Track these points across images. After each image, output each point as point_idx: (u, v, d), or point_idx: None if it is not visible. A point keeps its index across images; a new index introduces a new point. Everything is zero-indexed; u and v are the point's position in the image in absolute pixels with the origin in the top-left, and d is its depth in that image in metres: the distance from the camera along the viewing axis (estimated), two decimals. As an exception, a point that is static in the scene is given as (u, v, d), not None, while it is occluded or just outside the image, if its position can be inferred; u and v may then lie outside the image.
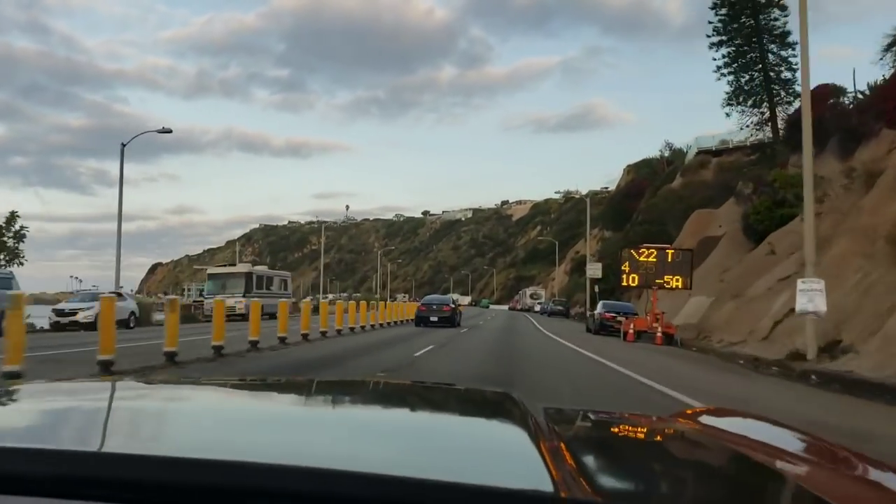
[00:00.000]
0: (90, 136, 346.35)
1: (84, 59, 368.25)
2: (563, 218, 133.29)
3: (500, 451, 1.19)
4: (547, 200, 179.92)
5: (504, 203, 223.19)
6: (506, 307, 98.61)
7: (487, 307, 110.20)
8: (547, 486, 0.91)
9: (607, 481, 1.12)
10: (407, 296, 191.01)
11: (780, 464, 1.32)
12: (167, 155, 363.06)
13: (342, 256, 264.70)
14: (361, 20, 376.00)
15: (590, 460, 1.24)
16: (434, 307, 31.04)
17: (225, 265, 58.43)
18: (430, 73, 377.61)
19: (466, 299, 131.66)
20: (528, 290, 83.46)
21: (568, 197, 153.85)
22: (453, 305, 32.07)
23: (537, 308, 68.84)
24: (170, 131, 31.55)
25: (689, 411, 1.97)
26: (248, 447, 1.07)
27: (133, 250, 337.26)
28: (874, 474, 1.32)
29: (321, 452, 1.06)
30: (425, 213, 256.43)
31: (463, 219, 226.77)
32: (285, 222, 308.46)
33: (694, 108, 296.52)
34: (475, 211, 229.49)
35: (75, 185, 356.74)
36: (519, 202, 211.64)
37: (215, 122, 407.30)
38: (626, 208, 58.26)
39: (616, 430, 1.72)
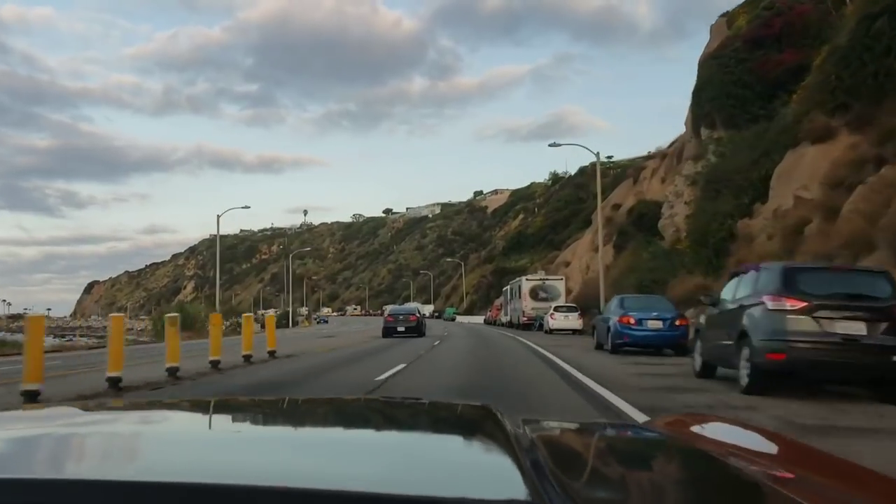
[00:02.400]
0: (56, 157, 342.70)
1: (47, 78, 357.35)
2: (558, 195, 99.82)
3: (479, 464, 1.19)
4: (531, 185, 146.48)
5: (478, 194, 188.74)
6: (480, 318, 65.32)
7: (453, 319, 76.51)
8: (527, 499, 0.89)
9: (588, 492, 1.11)
10: (359, 307, 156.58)
11: (756, 468, 1.32)
12: (137, 174, 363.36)
13: (291, 264, 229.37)
14: (329, 33, 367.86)
15: (570, 471, 1.22)
16: (401, 318, 31.02)
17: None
18: (401, 84, 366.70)
19: (429, 308, 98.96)
20: (529, 282, 39.35)
21: (557, 178, 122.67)
22: (419, 315, 32.00)
23: (556, 322, 30.57)
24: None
25: (665, 418, 2.01)
26: (224, 469, 1.04)
27: (104, 271, 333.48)
28: (848, 475, 1.36)
29: (301, 472, 1.03)
30: (387, 211, 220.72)
31: (430, 215, 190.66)
32: (236, 231, 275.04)
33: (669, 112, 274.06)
34: (444, 206, 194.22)
35: (43, 206, 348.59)
36: (495, 192, 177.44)
37: (185, 139, 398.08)
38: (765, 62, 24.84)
39: (595, 439, 1.72)
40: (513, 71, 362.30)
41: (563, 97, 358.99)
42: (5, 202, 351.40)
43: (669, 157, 39.04)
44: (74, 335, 65.68)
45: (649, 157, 47.75)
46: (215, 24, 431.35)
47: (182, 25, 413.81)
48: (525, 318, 37.68)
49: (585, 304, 31.26)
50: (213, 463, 1.08)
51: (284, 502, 0.83)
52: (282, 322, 65.73)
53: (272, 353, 15.56)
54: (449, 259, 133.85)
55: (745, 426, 1.83)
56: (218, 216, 43.40)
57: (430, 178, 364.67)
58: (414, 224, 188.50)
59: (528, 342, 22.17)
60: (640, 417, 6.36)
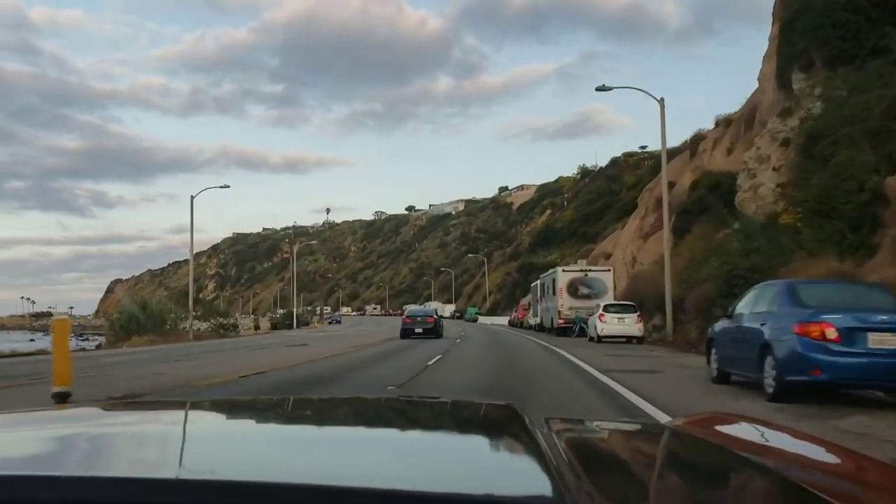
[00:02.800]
0: (86, 158, 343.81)
1: (76, 79, 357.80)
2: (589, 187, 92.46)
3: (505, 462, 1.21)
4: (558, 179, 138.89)
5: (503, 190, 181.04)
6: (504, 319, 58.11)
7: (475, 320, 69.74)
8: (553, 496, 0.90)
9: (612, 490, 1.10)
10: (378, 307, 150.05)
11: (782, 468, 1.31)
12: (164, 175, 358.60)
13: (312, 263, 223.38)
14: (354, 33, 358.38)
15: (594, 469, 1.22)
16: (419, 319, 31.06)
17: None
18: (426, 83, 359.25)
19: (450, 308, 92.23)
20: (566, 274, 31.16)
21: (586, 171, 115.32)
22: (437, 316, 32.13)
23: (607, 326, 23.02)
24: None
25: (691, 418, 2.01)
26: (262, 468, 1.07)
27: (132, 270, 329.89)
28: (881, 477, 1.34)
29: (333, 471, 1.05)
30: (409, 208, 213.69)
31: (453, 212, 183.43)
32: (259, 230, 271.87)
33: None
34: (467, 202, 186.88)
35: (73, 207, 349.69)
36: (521, 188, 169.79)
37: (211, 140, 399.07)
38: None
39: (620, 438, 1.72)
40: (538, 69, 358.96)
41: (589, 95, 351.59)
42: (37, 202, 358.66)
43: (736, 123, 31.79)
44: (88, 336, 60.36)
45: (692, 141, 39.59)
46: (242, 24, 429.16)
47: (208, 27, 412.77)
48: (561, 321, 30.18)
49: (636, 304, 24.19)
50: (249, 464, 1.09)
51: (323, 500, 0.84)
52: (285, 322, 62.17)
53: (59, 397, 8.06)
54: (472, 255, 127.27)
55: (772, 425, 1.80)
56: (192, 197, 37.06)
57: (454, 176, 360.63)
58: (437, 221, 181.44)
59: (573, 357, 15.29)
60: None
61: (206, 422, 1.55)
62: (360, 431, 1.52)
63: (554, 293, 31.47)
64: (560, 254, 63.65)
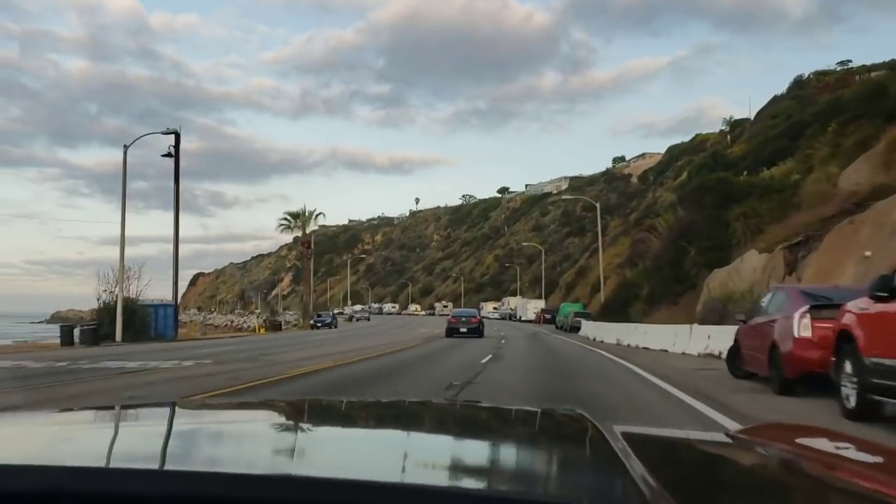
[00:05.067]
0: (202, 159, 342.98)
1: (192, 83, 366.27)
2: (770, 111, 57.23)
3: (584, 469, 1.24)
4: (695, 137, 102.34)
5: (618, 161, 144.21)
6: (657, 341, 21.31)
7: (576, 326, 36.72)
8: (634, 500, 0.92)
9: (686, 496, 1.12)
10: (450, 304, 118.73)
11: (850, 476, 1.32)
12: (276, 175, 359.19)
13: (390, 254, 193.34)
14: (459, 30, 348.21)
15: (662, 478, 1.20)
16: (463, 319, 32.36)
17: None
18: (532, 80, 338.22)
19: (538, 305, 60.17)
20: None
21: (734, 123, 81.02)
22: (480, 317, 33.95)
23: None
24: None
25: (759, 427, 2.03)
26: (346, 466, 1.12)
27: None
28: None
29: (417, 473, 1.08)
30: (502, 190, 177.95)
31: (554, 191, 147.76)
32: (344, 222, 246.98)
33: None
34: (572, 179, 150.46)
35: (193, 207, 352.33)
36: (642, 156, 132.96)
37: (320, 141, 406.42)
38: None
39: (689, 447, 1.72)
40: (649, 63, 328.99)
41: (703, 89, 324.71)
42: (160, 203, 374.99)
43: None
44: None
45: None
46: (348, 25, 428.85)
47: (317, 28, 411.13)
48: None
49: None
50: (323, 461, 1.17)
51: (402, 498, 0.87)
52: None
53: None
54: (575, 240, 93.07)
55: (838, 435, 1.78)
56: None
57: (557, 155, 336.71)
58: (533, 203, 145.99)
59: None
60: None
61: (262, 424, 1.64)
62: (432, 437, 1.56)
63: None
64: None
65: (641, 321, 29.19)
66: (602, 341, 27.68)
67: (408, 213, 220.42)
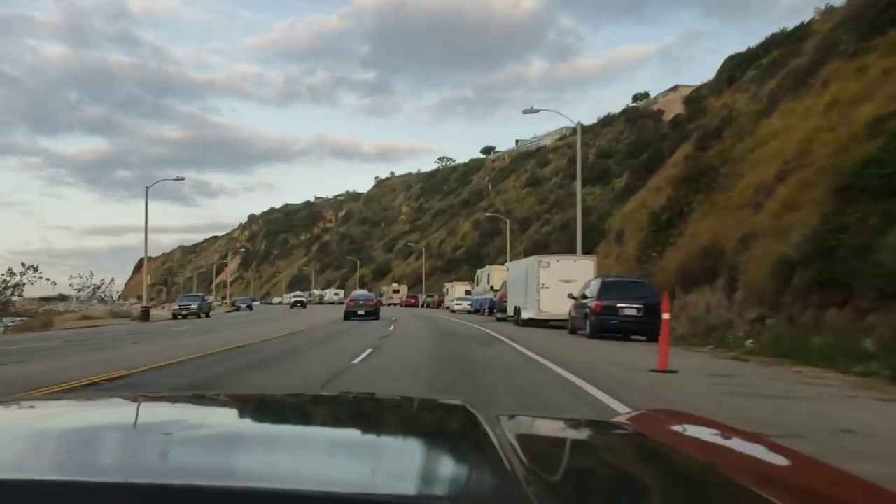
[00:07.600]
0: (187, 148, 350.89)
1: (175, 69, 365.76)
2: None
3: (460, 463, 1.22)
4: (734, 55, 74.63)
5: (640, 97, 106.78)
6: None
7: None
8: (513, 496, 0.90)
9: (561, 489, 1.11)
10: (342, 292, 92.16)
11: (726, 465, 1.36)
12: (262, 164, 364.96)
13: (349, 230, 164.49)
14: (445, 16, 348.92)
15: (546, 468, 1.23)
16: (360, 303, 35.18)
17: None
18: (519, 68, 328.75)
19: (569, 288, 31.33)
20: None
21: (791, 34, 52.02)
22: (376, 300, 37.52)
23: None
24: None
25: (637, 414, 2.09)
26: (211, 469, 1.05)
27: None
28: (817, 473, 1.40)
29: (285, 474, 1.00)
30: (487, 150, 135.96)
31: (548, 144, 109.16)
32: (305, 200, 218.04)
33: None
34: (578, 129, 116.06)
35: (177, 196, 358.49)
36: (674, 88, 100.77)
37: (305, 129, 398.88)
38: None
39: (570, 436, 1.76)
40: (637, 51, 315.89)
41: (691, 76, 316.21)
42: (143, 191, 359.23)
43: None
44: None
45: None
46: (332, 11, 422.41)
47: (300, 14, 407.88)
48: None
49: None
50: (189, 465, 1.08)
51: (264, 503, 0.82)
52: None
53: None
54: (589, 193, 65.48)
55: (716, 423, 1.84)
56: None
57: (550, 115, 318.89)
58: (525, 158, 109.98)
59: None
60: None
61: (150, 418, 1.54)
62: (310, 431, 1.49)
63: None
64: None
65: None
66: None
67: (374, 182, 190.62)
